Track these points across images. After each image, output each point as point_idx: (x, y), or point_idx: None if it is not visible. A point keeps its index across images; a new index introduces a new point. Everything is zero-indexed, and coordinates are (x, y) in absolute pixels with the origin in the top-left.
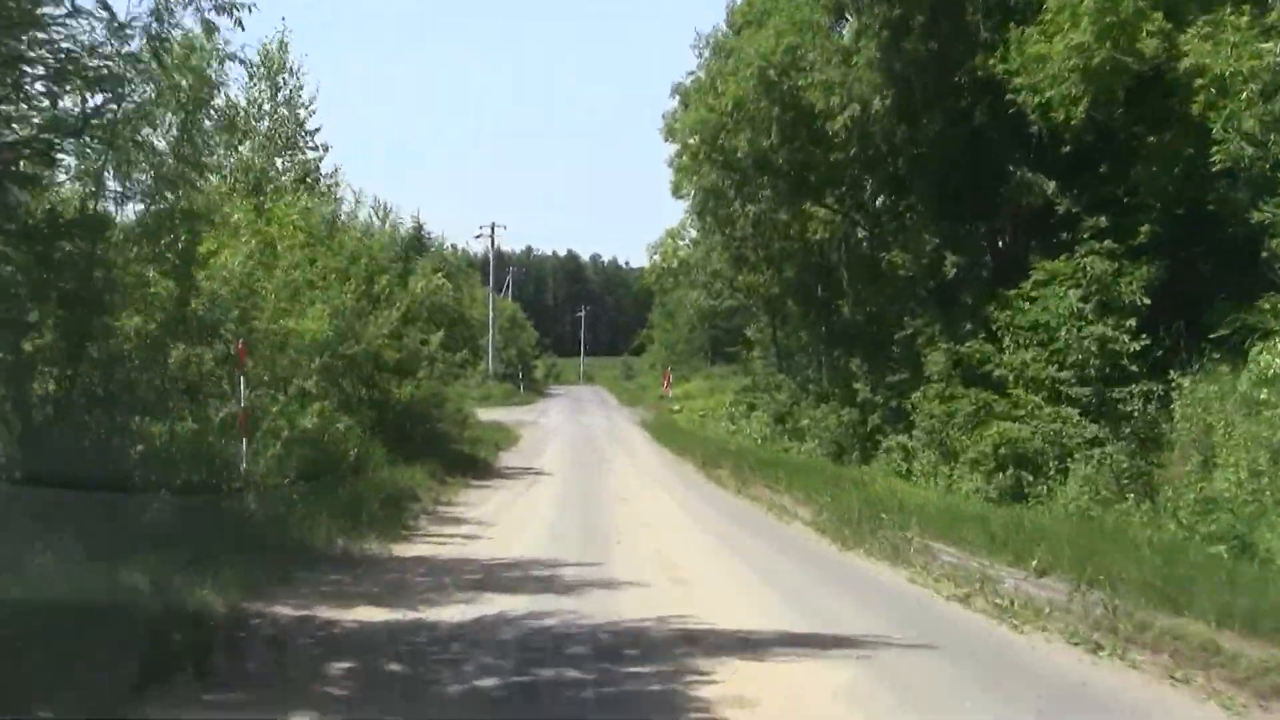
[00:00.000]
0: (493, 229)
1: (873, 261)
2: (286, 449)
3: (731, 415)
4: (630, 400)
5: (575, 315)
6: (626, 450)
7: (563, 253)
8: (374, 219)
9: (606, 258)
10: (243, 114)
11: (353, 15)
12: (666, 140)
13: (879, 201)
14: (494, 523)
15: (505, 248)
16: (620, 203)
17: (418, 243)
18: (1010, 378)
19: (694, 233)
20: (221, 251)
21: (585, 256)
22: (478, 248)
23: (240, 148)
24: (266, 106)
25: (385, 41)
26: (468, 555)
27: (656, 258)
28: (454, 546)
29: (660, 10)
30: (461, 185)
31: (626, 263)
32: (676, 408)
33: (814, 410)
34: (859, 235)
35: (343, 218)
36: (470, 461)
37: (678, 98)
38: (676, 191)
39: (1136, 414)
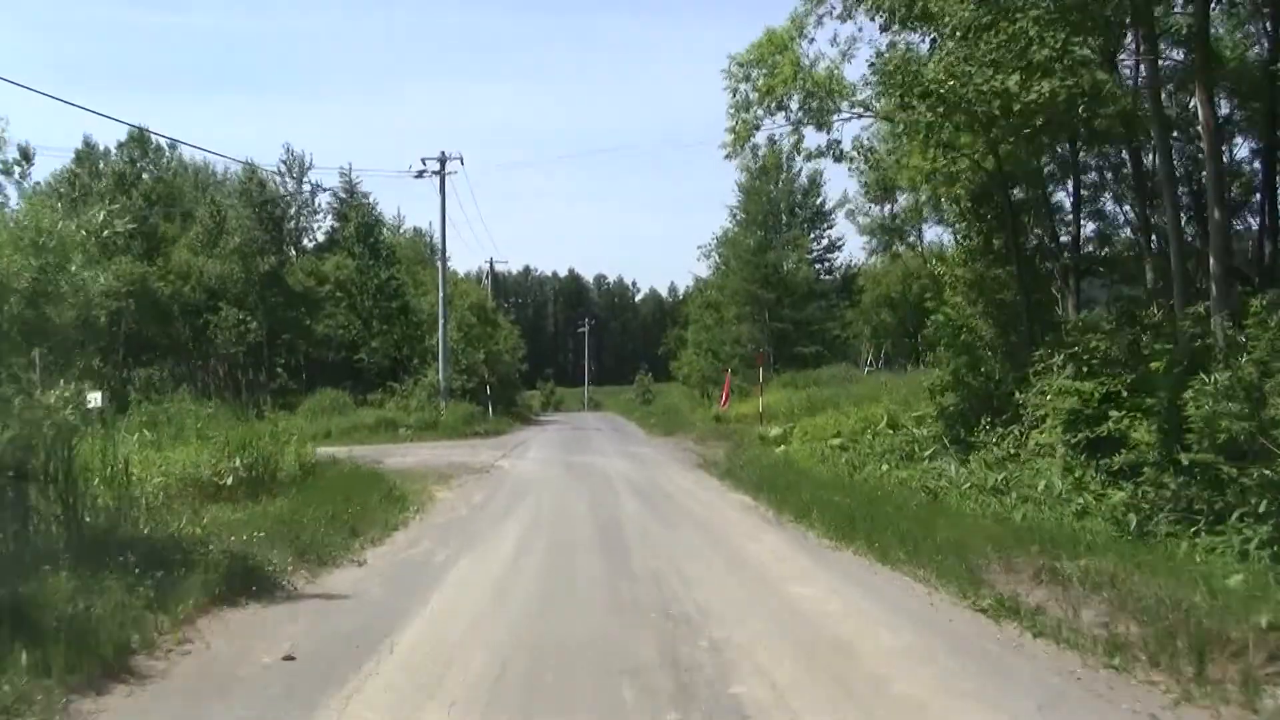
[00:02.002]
0: (442, 161)
1: None
2: None
3: (941, 444)
4: (665, 427)
5: (578, 331)
6: (755, 587)
7: (564, 272)
8: None
9: (612, 278)
10: None
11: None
12: None
13: None
14: None
15: (499, 268)
16: (627, 227)
17: (355, 210)
18: None
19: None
20: None
21: (589, 278)
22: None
23: None
24: None
25: (383, 58)
26: None
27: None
28: None
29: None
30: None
31: (633, 283)
32: (774, 433)
33: None
34: None
35: None
36: None
37: None
38: None
39: None
